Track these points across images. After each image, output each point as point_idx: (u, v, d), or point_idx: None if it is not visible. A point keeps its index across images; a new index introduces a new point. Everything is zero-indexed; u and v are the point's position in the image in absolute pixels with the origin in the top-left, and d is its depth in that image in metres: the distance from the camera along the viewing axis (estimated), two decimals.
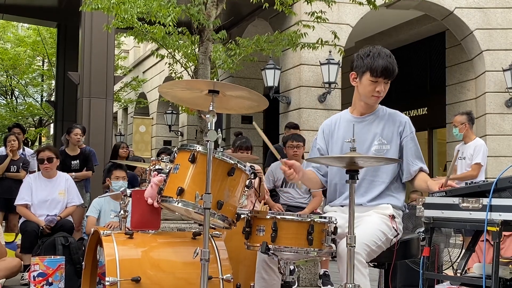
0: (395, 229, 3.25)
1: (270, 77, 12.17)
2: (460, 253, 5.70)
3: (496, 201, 3.07)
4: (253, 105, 3.29)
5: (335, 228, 3.03)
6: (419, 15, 13.63)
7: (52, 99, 21.16)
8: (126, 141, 22.87)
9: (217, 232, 3.68)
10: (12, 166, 8.09)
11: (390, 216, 3.28)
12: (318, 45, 9.74)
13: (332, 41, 9.81)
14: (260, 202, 5.94)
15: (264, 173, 6.58)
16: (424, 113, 14.84)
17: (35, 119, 26.72)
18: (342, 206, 3.43)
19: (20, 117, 24.80)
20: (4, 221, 8.19)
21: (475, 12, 12.22)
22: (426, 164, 3.50)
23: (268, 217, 3.00)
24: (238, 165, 3.10)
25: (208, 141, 2.93)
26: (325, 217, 3.04)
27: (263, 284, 3.25)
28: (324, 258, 3.34)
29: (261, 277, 3.25)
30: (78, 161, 8.07)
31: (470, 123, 7.31)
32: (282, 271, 3.07)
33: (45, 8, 14.30)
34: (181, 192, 3.02)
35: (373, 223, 3.22)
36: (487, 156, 7.39)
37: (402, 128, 3.42)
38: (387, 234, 3.21)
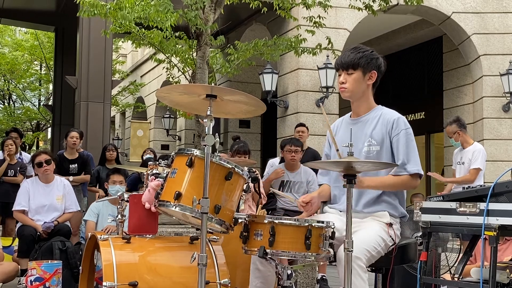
0: (392, 238, 3.24)
1: (268, 82, 12.17)
2: (458, 257, 5.70)
3: (493, 206, 3.07)
4: (250, 109, 3.30)
5: (333, 232, 3.03)
6: (416, 20, 13.65)
7: (49, 103, 21.15)
8: (123, 145, 22.86)
9: (214, 237, 3.67)
10: (9, 171, 8.09)
11: (387, 224, 3.28)
12: (316, 49, 9.74)
13: (326, 47, 9.80)
14: (261, 204, 5.93)
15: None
16: (421, 117, 14.86)
17: (32, 123, 26.71)
18: (341, 211, 3.42)
19: (18, 121, 24.78)
20: (1, 225, 8.18)
21: (472, 17, 12.25)
22: (423, 168, 3.45)
23: (266, 221, 3.00)
24: (236, 169, 3.10)
25: (205, 145, 2.93)
26: (322, 222, 3.04)
27: (258, 275, 3.25)
28: (322, 263, 3.34)
29: (256, 268, 3.26)
30: (76, 165, 8.06)
31: (462, 128, 7.28)
32: (279, 276, 3.07)
33: (43, 12, 14.29)
34: (178, 196, 3.02)
35: (373, 229, 3.22)
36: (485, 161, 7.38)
37: (390, 127, 3.34)
38: (385, 240, 3.21)
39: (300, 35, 9.71)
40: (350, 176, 2.90)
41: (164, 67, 11.45)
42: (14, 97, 26.68)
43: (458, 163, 7.37)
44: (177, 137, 19.30)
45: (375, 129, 3.38)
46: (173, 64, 10.11)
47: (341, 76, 3.39)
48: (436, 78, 14.48)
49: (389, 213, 3.32)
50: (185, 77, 9.84)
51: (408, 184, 3.31)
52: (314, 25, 9.40)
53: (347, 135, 3.29)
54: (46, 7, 14.12)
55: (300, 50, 9.75)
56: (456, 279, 3.54)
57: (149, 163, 3.60)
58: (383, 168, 3.26)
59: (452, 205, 3.24)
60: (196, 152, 3.09)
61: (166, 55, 9.60)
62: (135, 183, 7.55)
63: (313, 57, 10.39)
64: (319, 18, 9.34)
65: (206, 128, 3.00)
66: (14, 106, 26.74)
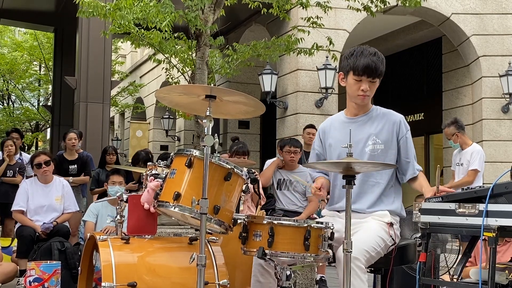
0: (392, 238, 3.24)
1: (267, 82, 12.17)
2: (457, 258, 5.69)
3: (493, 207, 3.07)
4: (250, 110, 3.30)
5: (332, 233, 3.03)
6: (416, 21, 13.66)
7: (49, 104, 21.14)
8: (122, 146, 22.85)
9: (213, 237, 3.67)
10: (8, 171, 8.09)
11: (388, 223, 3.28)
12: (313, 50, 9.74)
13: (326, 46, 9.81)
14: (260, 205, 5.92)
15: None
16: (420, 118, 14.86)
17: (31, 123, 26.70)
18: (339, 211, 3.42)
19: (17, 122, 24.76)
20: (0, 226, 8.18)
21: (471, 18, 12.26)
22: (423, 169, 3.50)
23: (265, 222, 3.00)
24: (235, 170, 3.10)
25: (204, 146, 2.93)
26: (321, 223, 3.04)
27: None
28: (321, 264, 3.34)
29: (257, 280, 3.25)
30: (76, 165, 8.06)
31: (460, 130, 7.29)
32: (278, 277, 3.06)
33: (42, 13, 14.29)
34: (177, 197, 3.01)
35: (373, 230, 3.22)
36: (484, 162, 7.38)
37: (397, 127, 3.40)
38: (386, 240, 3.22)
39: (294, 35, 9.71)
40: (349, 177, 2.90)
41: (163, 68, 11.44)
42: (13, 97, 26.67)
43: (457, 164, 7.38)
44: (176, 137, 19.30)
45: (379, 128, 3.41)
46: (173, 65, 10.10)
47: (366, 84, 3.33)
48: (435, 79, 14.48)
49: (389, 211, 3.34)
50: (185, 78, 9.83)
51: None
52: (311, 25, 9.40)
53: (345, 135, 3.28)
54: (45, 8, 14.12)
55: (297, 51, 9.73)
56: (455, 280, 3.54)
57: (148, 163, 3.60)
58: (383, 169, 3.27)
59: (451, 206, 3.24)
60: (195, 152, 3.09)
61: (166, 55, 9.60)
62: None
63: (313, 58, 10.41)
64: (317, 19, 9.34)
65: (205, 128, 3.00)
66: (13, 106, 26.73)
